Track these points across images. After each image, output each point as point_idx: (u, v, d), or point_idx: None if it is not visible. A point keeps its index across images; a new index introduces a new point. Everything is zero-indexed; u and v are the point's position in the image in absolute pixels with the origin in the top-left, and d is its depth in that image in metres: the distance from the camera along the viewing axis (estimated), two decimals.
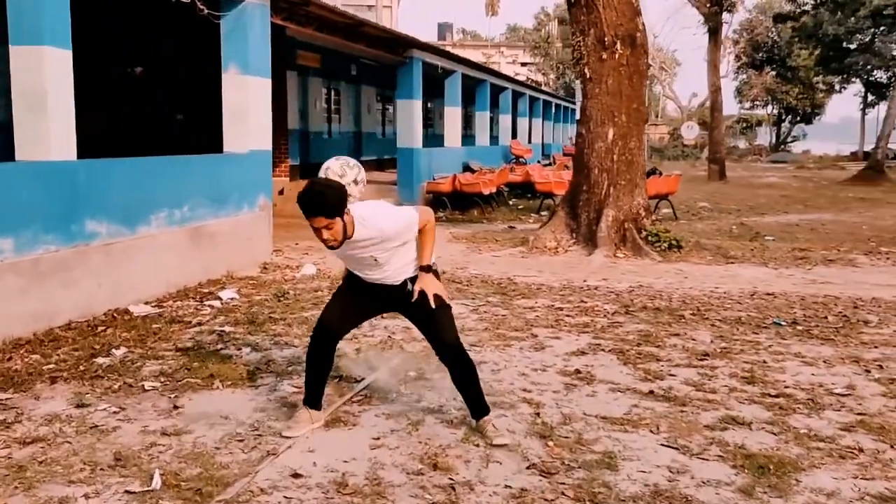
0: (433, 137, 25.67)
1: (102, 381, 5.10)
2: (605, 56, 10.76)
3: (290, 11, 10.83)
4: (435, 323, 4.22)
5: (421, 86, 16.57)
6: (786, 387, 5.13)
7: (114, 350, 5.80)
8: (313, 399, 4.37)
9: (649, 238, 10.77)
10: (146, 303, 7.40)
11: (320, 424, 4.36)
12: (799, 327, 6.74)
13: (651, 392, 4.99)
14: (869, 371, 5.49)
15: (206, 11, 8.67)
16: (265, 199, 9.99)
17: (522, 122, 30.38)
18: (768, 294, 8.13)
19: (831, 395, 4.98)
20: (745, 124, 64.56)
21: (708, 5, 26.86)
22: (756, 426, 4.40)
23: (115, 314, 6.90)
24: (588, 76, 10.90)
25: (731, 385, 5.16)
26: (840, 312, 7.31)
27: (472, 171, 19.34)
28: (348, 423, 4.41)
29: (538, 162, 27.95)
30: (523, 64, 76.62)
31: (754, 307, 7.52)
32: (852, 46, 46.38)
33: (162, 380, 5.16)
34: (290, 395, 4.87)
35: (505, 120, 27.67)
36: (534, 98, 32.36)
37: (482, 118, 23.57)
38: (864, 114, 51.35)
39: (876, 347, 6.12)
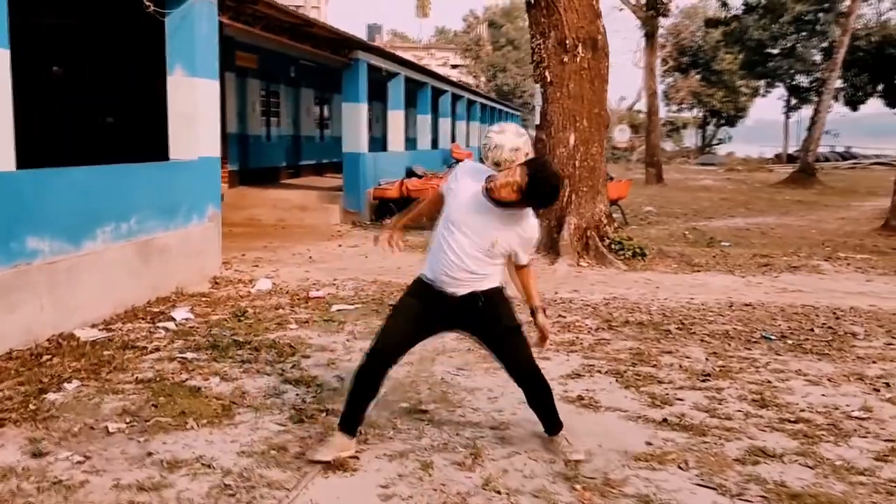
0: (372, 141, 25.13)
1: (58, 423, 4.51)
2: (566, 59, 10.48)
3: (236, 10, 10.24)
4: (508, 344, 4.08)
5: (366, 88, 16.08)
6: (801, 410, 4.88)
7: (65, 384, 5.19)
8: (350, 424, 4.06)
9: (612, 246, 10.55)
10: (93, 326, 6.77)
11: (350, 454, 4.01)
12: (789, 341, 6.55)
13: (665, 420, 4.67)
14: (878, 390, 5.30)
15: (151, 8, 8.06)
16: (214, 210, 9.38)
17: (460, 126, 30.10)
18: (746, 305, 7.95)
19: (850, 418, 4.75)
20: (671, 127, 65.79)
21: (645, 9, 27.07)
22: (788, 459, 4.11)
23: (59, 340, 6.25)
24: (549, 80, 10.60)
25: (744, 409, 4.88)
26: (824, 324, 7.17)
27: (417, 176, 18.91)
28: (349, 467, 3.95)
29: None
30: (454, 66, 76.44)
31: (737, 319, 7.32)
32: (775, 51, 47.83)
33: (127, 419, 4.59)
34: (276, 435, 4.38)
35: (444, 123, 27.34)
36: (471, 101, 32.13)
37: (423, 122, 23.19)
38: (787, 117, 52.86)
39: (874, 363, 5.95)
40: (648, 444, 4.31)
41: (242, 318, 7.14)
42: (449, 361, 5.92)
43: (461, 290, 3.93)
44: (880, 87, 46.27)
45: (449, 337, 6.61)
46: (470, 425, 4.58)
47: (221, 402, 4.89)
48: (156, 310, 7.46)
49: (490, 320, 4.02)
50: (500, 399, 5.07)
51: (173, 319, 7.09)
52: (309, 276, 9.43)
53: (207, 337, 6.49)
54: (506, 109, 46.58)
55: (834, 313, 7.61)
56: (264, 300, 8.03)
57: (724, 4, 28.58)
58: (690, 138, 68.30)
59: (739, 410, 4.87)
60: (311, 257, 11.07)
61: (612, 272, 9.95)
